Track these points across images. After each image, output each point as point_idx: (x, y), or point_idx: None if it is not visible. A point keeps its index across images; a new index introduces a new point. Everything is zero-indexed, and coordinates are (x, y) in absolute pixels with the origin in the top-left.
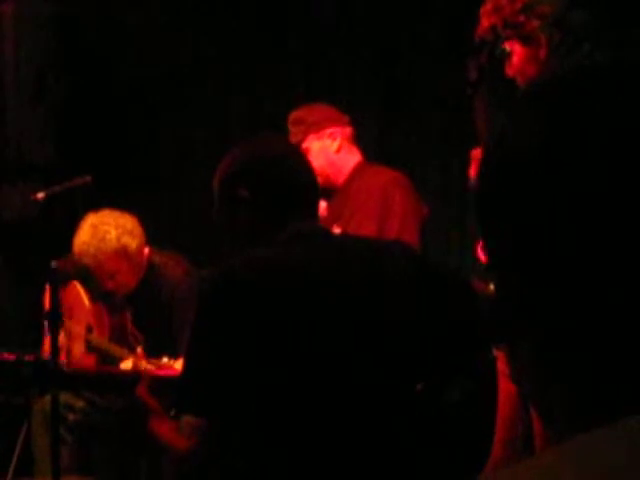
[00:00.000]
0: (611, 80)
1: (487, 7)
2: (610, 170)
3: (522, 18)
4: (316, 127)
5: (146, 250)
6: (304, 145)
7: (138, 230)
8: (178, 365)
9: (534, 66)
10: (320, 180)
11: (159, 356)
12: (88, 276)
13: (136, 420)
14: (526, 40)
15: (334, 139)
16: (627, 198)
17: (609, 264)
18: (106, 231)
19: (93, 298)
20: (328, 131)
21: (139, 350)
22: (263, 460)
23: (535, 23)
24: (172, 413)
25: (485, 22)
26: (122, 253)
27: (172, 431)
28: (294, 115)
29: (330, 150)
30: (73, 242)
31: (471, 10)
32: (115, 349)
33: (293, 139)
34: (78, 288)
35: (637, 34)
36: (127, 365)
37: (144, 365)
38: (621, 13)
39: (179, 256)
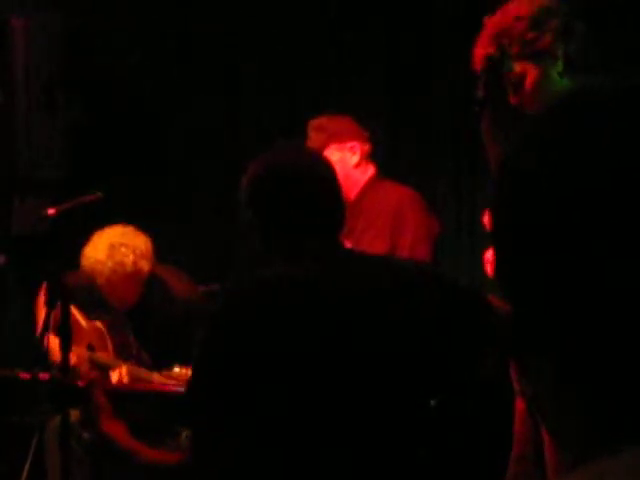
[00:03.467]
0: (618, 102)
1: (488, 32)
2: (616, 191)
3: (532, 35)
4: (338, 138)
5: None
6: (324, 154)
7: (150, 252)
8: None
9: (550, 83)
10: None
11: (170, 367)
12: (83, 295)
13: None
14: (539, 58)
15: (354, 153)
16: (635, 220)
17: (619, 285)
18: (124, 254)
19: (90, 317)
20: (349, 144)
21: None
22: (265, 476)
23: (548, 38)
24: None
25: (490, 48)
26: (136, 277)
27: (126, 433)
28: (317, 122)
29: (349, 163)
30: (84, 256)
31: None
32: (126, 366)
33: (312, 145)
34: (73, 309)
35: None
36: (116, 375)
37: (156, 378)
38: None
39: (180, 271)
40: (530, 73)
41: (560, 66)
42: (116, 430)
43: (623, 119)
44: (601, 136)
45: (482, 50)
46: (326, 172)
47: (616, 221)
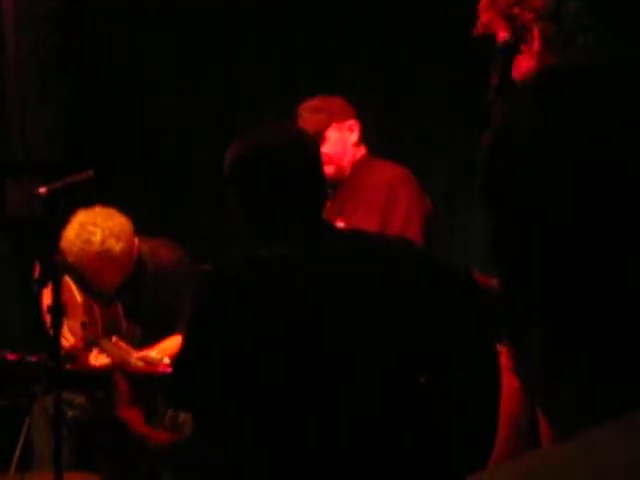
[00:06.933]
0: (604, 72)
1: (483, 2)
2: (601, 154)
3: (516, 11)
4: (338, 117)
5: (135, 241)
6: (325, 134)
7: (126, 232)
8: (167, 360)
9: (528, 60)
10: (332, 170)
11: (151, 345)
12: (76, 273)
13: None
14: (521, 33)
15: (352, 131)
16: (620, 184)
17: (611, 257)
18: (91, 232)
19: (84, 292)
20: (348, 123)
21: (127, 347)
22: (256, 455)
23: (528, 16)
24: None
25: (483, 17)
26: (105, 256)
27: (139, 418)
28: (312, 104)
29: (348, 142)
30: (62, 236)
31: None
32: (110, 347)
33: (310, 127)
34: (70, 283)
35: (633, 28)
36: (98, 359)
37: (134, 360)
38: (617, 6)
39: (169, 242)
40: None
41: (536, 46)
42: (131, 416)
43: (616, 85)
44: (598, 101)
45: (481, 16)
46: (310, 152)
47: (614, 185)
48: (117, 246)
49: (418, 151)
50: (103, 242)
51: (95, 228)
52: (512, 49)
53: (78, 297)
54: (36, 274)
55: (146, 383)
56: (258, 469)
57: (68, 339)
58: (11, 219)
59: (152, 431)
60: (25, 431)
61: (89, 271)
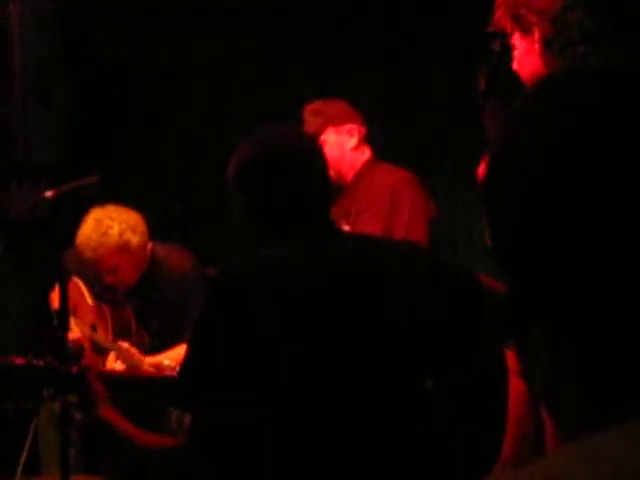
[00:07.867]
0: (615, 81)
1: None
2: (613, 167)
3: (523, 10)
4: (336, 121)
5: (149, 245)
6: (322, 137)
7: (141, 226)
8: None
9: (532, 59)
10: (331, 174)
11: (161, 349)
12: (88, 271)
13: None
14: (525, 32)
15: (352, 135)
16: (630, 196)
17: (612, 261)
18: (109, 226)
19: (94, 295)
20: (347, 127)
21: (139, 354)
22: (257, 457)
23: (533, 17)
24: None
25: (496, 14)
26: (123, 249)
27: (119, 418)
28: (313, 107)
29: (346, 146)
30: (77, 235)
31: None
32: (121, 353)
33: (310, 129)
34: (80, 285)
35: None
36: (115, 366)
37: (146, 367)
38: (625, 17)
39: (182, 249)
40: (519, 46)
41: (536, 47)
42: (113, 415)
43: (628, 93)
44: (610, 111)
45: (495, 13)
46: (317, 155)
47: (617, 190)
48: (134, 238)
49: (418, 152)
50: (121, 234)
51: (112, 222)
52: (499, 56)
53: (89, 299)
54: (55, 304)
55: (154, 386)
56: (260, 471)
57: (74, 332)
58: (13, 221)
59: (139, 431)
60: (31, 435)
61: (106, 266)
